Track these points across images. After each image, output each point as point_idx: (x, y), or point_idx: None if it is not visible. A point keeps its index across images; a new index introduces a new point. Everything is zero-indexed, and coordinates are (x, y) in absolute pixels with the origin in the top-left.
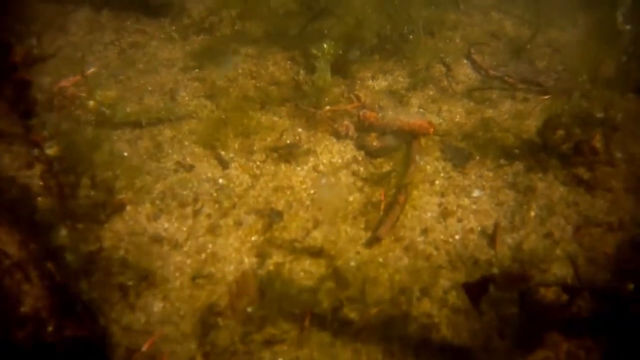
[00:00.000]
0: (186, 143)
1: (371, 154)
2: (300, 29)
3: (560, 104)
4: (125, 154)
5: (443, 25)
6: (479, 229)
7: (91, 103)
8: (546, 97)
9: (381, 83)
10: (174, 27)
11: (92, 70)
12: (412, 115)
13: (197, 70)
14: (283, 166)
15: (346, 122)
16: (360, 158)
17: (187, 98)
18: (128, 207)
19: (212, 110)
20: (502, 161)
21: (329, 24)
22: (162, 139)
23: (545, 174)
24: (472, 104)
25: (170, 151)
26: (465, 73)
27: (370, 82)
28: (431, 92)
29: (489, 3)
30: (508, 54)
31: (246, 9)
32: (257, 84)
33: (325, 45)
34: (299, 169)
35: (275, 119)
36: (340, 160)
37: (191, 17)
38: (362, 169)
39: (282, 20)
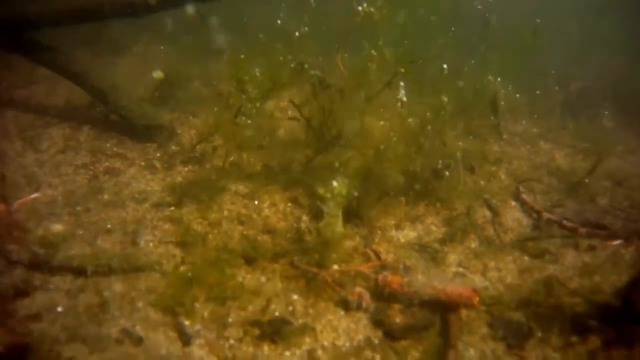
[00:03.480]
0: (140, 304)
1: (393, 334)
2: (307, 162)
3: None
4: (59, 309)
5: (484, 159)
6: None
7: (29, 237)
8: (616, 242)
9: (408, 234)
10: (158, 154)
11: (35, 195)
12: (449, 280)
13: (172, 207)
14: (266, 348)
15: (359, 289)
16: (376, 340)
17: (152, 243)
18: None
19: (181, 263)
20: (572, 337)
21: (342, 156)
22: (109, 295)
23: (630, 349)
24: (526, 258)
25: (117, 313)
26: (514, 217)
27: (393, 233)
28: (473, 245)
29: (534, 131)
30: (563, 191)
31: (245, 136)
32: (245, 232)
33: (335, 184)
34: (287, 354)
35: (263, 280)
36: (348, 343)
37: (180, 144)
38: (378, 357)
39: (286, 152)
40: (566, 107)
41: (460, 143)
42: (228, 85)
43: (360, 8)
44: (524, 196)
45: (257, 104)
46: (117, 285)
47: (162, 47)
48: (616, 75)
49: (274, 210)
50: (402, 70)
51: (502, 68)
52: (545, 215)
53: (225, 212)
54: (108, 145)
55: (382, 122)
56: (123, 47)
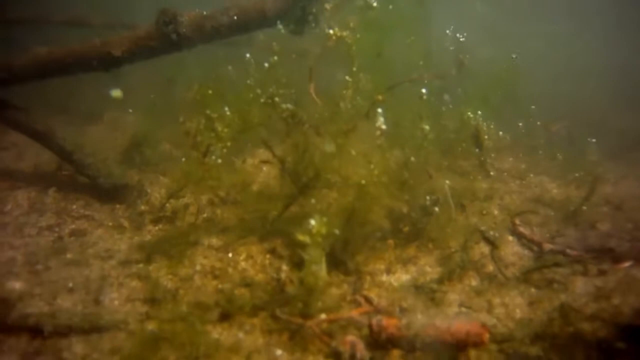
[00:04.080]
0: None
1: None
2: (283, 208)
3: None
4: None
5: (474, 196)
6: None
7: None
8: (626, 264)
9: (401, 277)
10: (127, 214)
11: None
12: (452, 318)
13: (140, 265)
14: None
15: (351, 338)
16: None
17: (117, 301)
18: None
19: (149, 321)
20: None
21: (322, 198)
22: (69, 356)
23: None
24: (532, 290)
25: None
26: (513, 252)
27: (384, 277)
28: (474, 282)
29: (522, 167)
30: (561, 220)
31: (217, 193)
32: (220, 286)
33: (313, 223)
34: None
35: (241, 335)
36: None
37: (150, 203)
38: None
39: (262, 200)
40: (550, 144)
41: (447, 181)
42: (195, 123)
43: (331, 31)
44: (521, 229)
45: (228, 144)
46: (78, 347)
47: (130, 110)
48: (598, 109)
49: (251, 262)
50: (380, 97)
51: (481, 106)
52: (547, 246)
53: (198, 267)
54: (74, 207)
55: (361, 156)
56: (95, 115)
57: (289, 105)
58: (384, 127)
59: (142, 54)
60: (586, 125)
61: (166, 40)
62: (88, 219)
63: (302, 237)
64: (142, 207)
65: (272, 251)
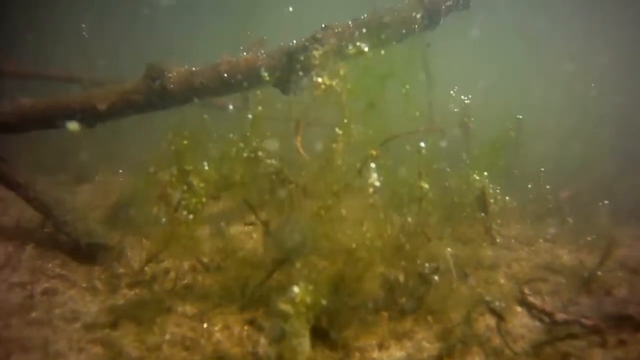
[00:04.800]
0: None
1: None
2: (267, 275)
3: None
4: None
5: (478, 265)
6: None
7: None
8: None
9: (394, 354)
10: (103, 277)
11: None
12: None
13: (107, 330)
14: None
15: None
16: None
17: None
18: None
19: None
20: None
21: (308, 264)
22: None
23: None
24: None
25: None
26: (522, 324)
27: (376, 354)
28: (477, 359)
29: (531, 234)
30: (574, 288)
31: (200, 258)
32: (190, 358)
33: (296, 291)
34: None
35: None
36: None
37: (129, 267)
38: None
39: (246, 270)
40: (560, 210)
41: (449, 249)
42: (168, 176)
43: (319, 80)
44: (531, 299)
45: (203, 200)
46: None
47: (120, 171)
48: (606, 173)
49: (227, 333)
50: (374, 152)
51: (487, 169)
52: (559, 316)
53: (168, 336)
54: (50, 265)
55: (352, 218)
56: (87, 175)
57: (274, 161)
58: (377, 184)
59: (128, 109)
60: (597, 185)
61: (153, 96)
62: (62, 278)
63: (283, 307)
64: (121, 270)
65: (252, 322)
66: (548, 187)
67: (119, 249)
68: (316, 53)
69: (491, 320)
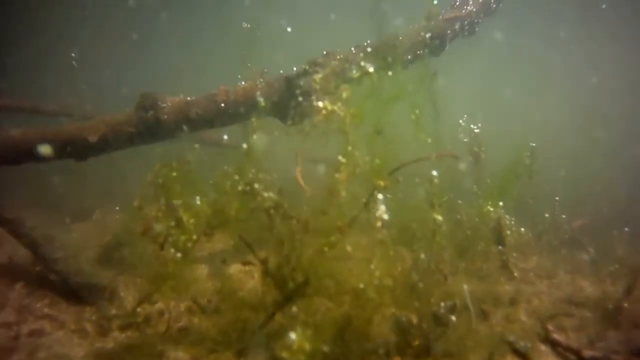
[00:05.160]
0: None
1: None
2: (266, 319)
3: None
4: None
5: (497, 301)
6: None
7: None
8: None
9: None
10: (94, 318)
11: None
12: None
13: None
14: None
15: None
16: None
17: None
18: None
19: None
20: None
21: (313, 308)
22: None
23: None
24: None
25: None
26: None
27: None
28: None
29: (549, 266)
30: (600, 322)
31: (197, 300)
32: None
33: (294, 337)
34: None
35: None
36: None
37: (122, 308)
38: None
39: (245, 313)
40: (576, 239)
41: (465, 285)
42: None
43: (320, 104)
44: (555, 335)
45: (194, 237)
46: None
47: (117, 208)
48: (620, 199)
49: None
50: (381, 183)
51: (501, 199)
52: (587, 353)
53: None
54: (39, 305)
55: (359, 254)
56: (84, 213)
57: (271, 194)
58: (386, 217)
59: (120, 141)
60: (613, 211)
61: (146, 127)
62: (51, 319)
63: (282, 354)
64: (112, 311)
65: None
66: (564, 216)
67: (111, 289)
68: (316, 77)
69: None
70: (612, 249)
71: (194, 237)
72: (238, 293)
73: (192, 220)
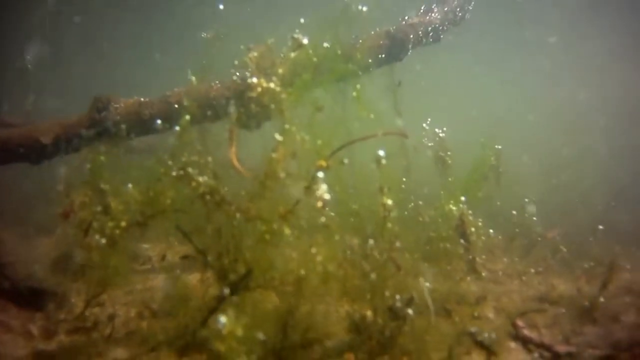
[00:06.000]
0: None
1: None
2: (208, 314)
3: None
4: None
5: (462, 300)
6: None
7: None
8: None
9: None
10: (41, 323)
11: None
12: None
13: None
14: None
15: None
16: None
17: None
18: None
19: None
20: None
21: (255, 299)
22: None
23: None
24: None
25: None
26: (518, 359)
27: None
28: None
29: (520, 267)
30: (576, 318)
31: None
32: None
33: (223, 321)
34: None
35: None
36: None
37: (72, 313)
38: None
39: (194, 312)
40: (549, 244)
41: (427, 284)
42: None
43: (254, 80)
44: (525, 332)
45: (122, 223)
46: None
47: None
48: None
49: None
50: (323, 163)
51: (468, 201)
52: (561, 348)
53: None
54: None
55: (303, 240)
56: (47, 228)
57: (206, 178)
58: (327, 197)
59: (73, 142)
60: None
61: (98, 128)
62: (1, 325)
63: (220, 346)
64: (62, 317)
65: None
66: (535, 218)
67: (62, 295)
68: (251, 55)
69: (480, 357)
70: (587, 249)
71: (123, 224)
72: (193, 299)
73: (120, 207)
